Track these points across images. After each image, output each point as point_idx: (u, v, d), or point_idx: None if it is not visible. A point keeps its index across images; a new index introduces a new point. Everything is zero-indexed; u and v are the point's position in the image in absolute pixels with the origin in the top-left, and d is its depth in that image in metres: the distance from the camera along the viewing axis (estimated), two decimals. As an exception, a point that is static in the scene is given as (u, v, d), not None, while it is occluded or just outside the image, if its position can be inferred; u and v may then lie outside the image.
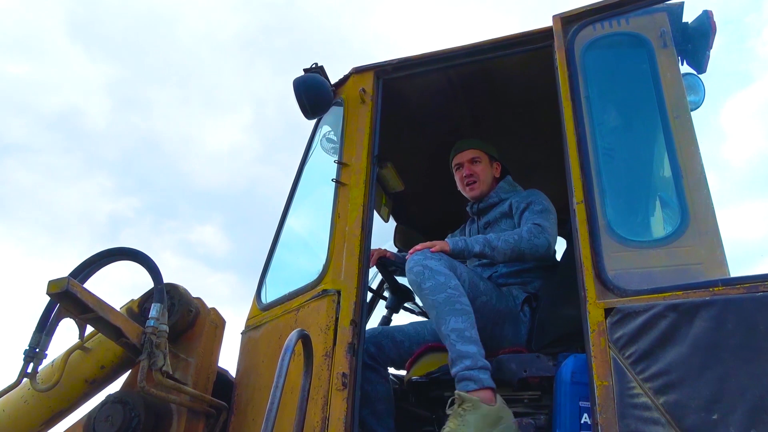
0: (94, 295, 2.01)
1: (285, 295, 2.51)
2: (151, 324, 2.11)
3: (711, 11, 2.32)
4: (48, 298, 2.00)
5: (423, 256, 2.20)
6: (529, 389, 2.20)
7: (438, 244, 2.28)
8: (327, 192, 2.58)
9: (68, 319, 2.07)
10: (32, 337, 2.05)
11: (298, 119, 2.66)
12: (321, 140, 2.89)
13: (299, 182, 2.82)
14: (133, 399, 2.15)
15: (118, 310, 2.18)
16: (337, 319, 2.21)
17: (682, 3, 2.33)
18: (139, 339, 2.09)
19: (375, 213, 2.66)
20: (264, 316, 2.55)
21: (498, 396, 1.98)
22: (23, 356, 2.04)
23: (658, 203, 2.30)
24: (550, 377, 2.14)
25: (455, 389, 1.97)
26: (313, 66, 2.68)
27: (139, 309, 2.36)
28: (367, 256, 2.38)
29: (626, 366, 1.71)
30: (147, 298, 2.36)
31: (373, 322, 3.16)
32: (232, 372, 2.57)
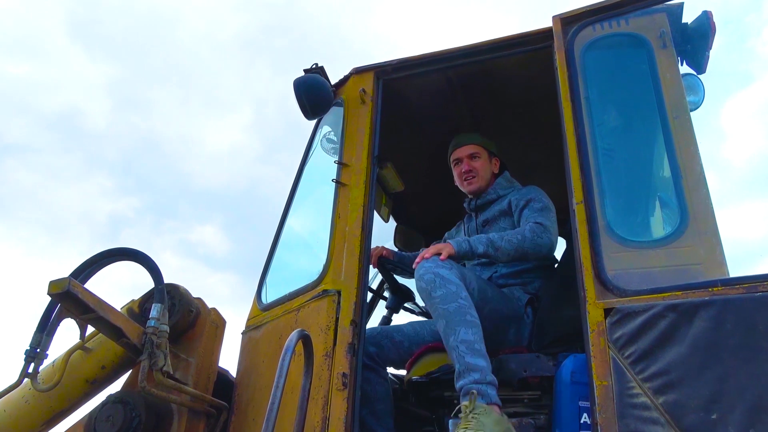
0: (95, 295, 2.01)
1: (285, 296, 2.51)
2: (152, 324, 2.11)
3: (710, 12, 2.33)
4: (49, 299, 2.01)
5: (434, 263, 2.15)
6: (529, 389, 2.20)
7: (445, 250, 2.22)
8: (327, 192, 2.58)
9: (69, 319, 2.08)
10: (33, 338, 2.06)
11: (299, 119, 2.67)
12: (321, 140, 2.89)
13: (299, 182, 2.83)
14: (134, 399, 2.15)
15: (119, 310, 2.18)
16: (337, 319, 2.21)
17: (682, 3, 2.33)
18: (139, 339, 2.10)
19: (375, 213, 2.66)
20: (264, 317, 2.55)
21: (504, 415, 1.94)
22: (24, 356, 2.04)
23: (657, 203, 2.30)
24: (549, 377, 2.15)
25: (460, 400, 1.92)
26: (314, 66, 2.68)
27: (139, 309, 2.37)
28: (367, 256, 2.38)
29: (626, 366, 1.72)
30: (147, 299, 2.37)
31: (374, 322, 3.17)
32: (233, 372, 2.58)
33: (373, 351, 2.43)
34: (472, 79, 2.91)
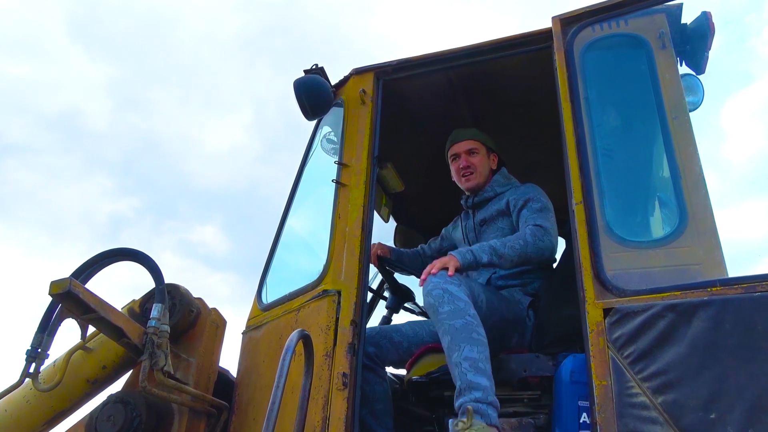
0: (95, 295, 2.02)
1: (285, 296, 2.52)
2: (153, 324, 2.12)
3: (709, 12, 2.33)
4: (50, 299, 2.01)
5: (442, 279, 2.10)
6: (528, 389, 2.21)
7: (450, 264, 2.16)
8: (327, 192, 2.59)
9: (70, 319, 2.08)
10: (34, 338, 2.07)
11: (299, 119, 2.67)
12: (321, 141, 2.89)
13: (300, 183, 2.83)
14: (135, 399, 2.16)
15: (120, 310, 2.19)
16: (337, 319, 2.22)
17: (681, 4, 2.34)
18: (140, 339, 2.10)
19: (375, 213, 2.67)
20: (265, 317, 2.56)
21: None
22: (25, 356, 2.05)
23: (656, 204, 2.31)
24: (549, 377, 2.15)
25: (457, 417, 1.85)
26: (314, 67, 2.69)
27: (140, 309, 2.37)
28: (367, 256, 2.39)
29: (625, 366, 1.72)
30: (148, 299, 2.37)
31: (374, 321, 3.17)
32: (233, 372, 2.58)
33: (371, 351, 2.42)
34: (472, 80, 2.92)
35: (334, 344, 2.17)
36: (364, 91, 2.66)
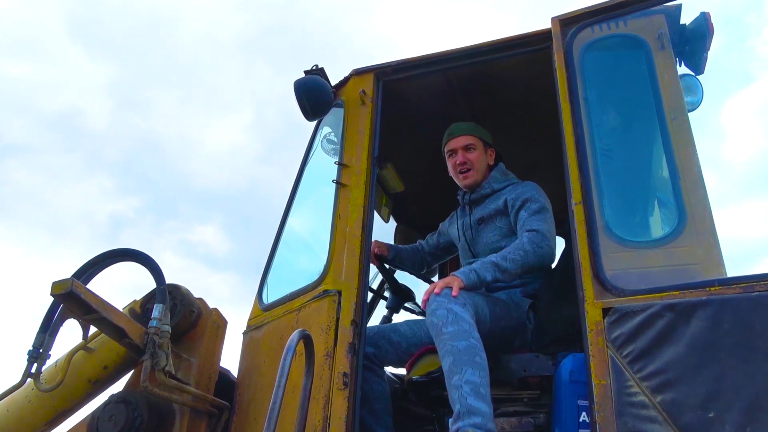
0: (97, 295, 2.03)
1: (286, 296, 2.53)
2: (154, 324, 2.13)
3: (708, 13, 2.34)
4: (51, 299, 2.02)
5: (447, 299, 2.05)
6: (528, 388, 2.22)
7: (454, 284, 2.11)
8: (328, 193, 2.60)
9: (72, 319, 2.09)
10: (36, 338, 2.08)
11: (299, 120, 2.67)
12: (321, 141, 2.90)
13: (300, 183, 2.84)
14: (136, 399, 2.17)
15: (121, 311, 2.20)
16: (338, 319, 2.23)
17: (680, 5, 2.34)
18: (141, 339, 2.11)
19: (375, 213, 2.67)
20: (265, 317, 2.57)
21: None
22: (27, 357, 2.06)
23: (655, 204, 2.32)
24: (549, 376, 2.16)
25: None
26: (314, 68, 2.69)
27: (141, 309, 2.38)
28: (367, 256, 2.39)
29: (624, 365, 1.73)
30: (149, 299, 2.38)
31: (374, 321, 3.18)
32: (234, 372, 2.59)
33: (370, 351, 2.42)
34: (471, 80, 2.92)
35: (335, 344, 2.17)
36: (364, 91, 2.67)
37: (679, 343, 1.67)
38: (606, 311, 1.82)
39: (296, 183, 2.85)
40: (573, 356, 2.01)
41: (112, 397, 2.23)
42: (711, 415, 1.56)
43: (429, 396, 2.46)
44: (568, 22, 2.36)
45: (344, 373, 2.11)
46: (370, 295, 3.03)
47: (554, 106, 2.26)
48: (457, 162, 2.71)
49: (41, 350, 2.07)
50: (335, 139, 2.83)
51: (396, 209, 3.64)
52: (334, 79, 2.77)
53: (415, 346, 2.51)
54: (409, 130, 3.23)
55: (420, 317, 3.21)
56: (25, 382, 2.10)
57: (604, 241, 1.96)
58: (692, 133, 2.15)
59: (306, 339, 1.89)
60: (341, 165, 2.57)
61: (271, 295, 2.66)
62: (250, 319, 2.68)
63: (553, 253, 2.38)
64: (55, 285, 1.92)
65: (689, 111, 2.35)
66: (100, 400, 2.35)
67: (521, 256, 2.28)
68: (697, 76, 2.51)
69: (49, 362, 2.13)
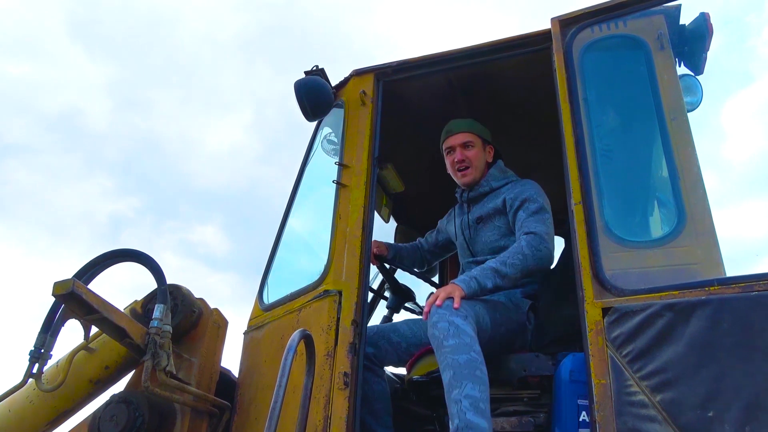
0: (98, 296, 2.03)
1: (287, 296, 2.53)
2: (155, 325, 2.14)
3: (708, 13, 2.34)
4: (53, 300, 2.03)
5: (449, 311, 2.02)
6: (528, 388, 2.22)
7: (455, 294, 2.08)
8: (328, 193, 2.60)
9: (73, 320, 2.10)
10: (37, 338, 2.08)
11: (299, 120, 2.68)
12: (322, 142, 2.91)
13: (300, 183, 2.85)
14: (137, 399, 2.17)
15: (122, 311, 2.20)
16: (338, 319, 2.23)
17: (680, 5, 2.35)
18: (143, 339, 2.12)
19: (375, 214, 2.68)
20: (266, 317, 2.57)
21: None
22: (28, 357, 2.06)
23: (655, 204, 2.32)
24: (549, 376, 2.17)
25: None
26: (314, 68, 2.70)
27: (142, 310, 2.39)
28: (367, 256, 2.40)
29: (623, 364, 1.73)
30: (150, 299, 2.39)
31: (374, 321, 3.18)
32: (235, 372, 2.60)
33: (370, 351, 2.41)
34: (471, 81, 2.93)
35: (336, 344, 2.18)
36: (364, 92, 2.67)
37: (678, 343, 1.67)
38: (606, 311, 1.83)
39: (296, 183, 2.85)
40: (573, 356, 2.02)
41: (113, 397, 2.24)
42: (710, 414, 1.57)
43: (429, 396, 2.46)
44: (568, 23, 2.36)
45: (345, 372, 2.11)
46: (370, 295, 3.04)
47: (554, 107, 2.26)
48: (455, 159, 2.69)
49: (43, 350, 2.08)
50: (335, 140, 2.84)
51: (396, 209, 3.65)
52: (334, 80, 2.78)
53: (414, 346, 2.51)
54: (410, 130, 3.24)
55: (420, 317, 3.22)
56: (26, 382, 2.11)
57: (604, 241, 1.97)
58: (692, 133, 2.16)
59: (307, 339, 1.89)
60: (341, 165, 2.58)
61: (271, 296, 2.67)
62: (250, 319, 2.68)
63: (551, 255, 2.37)
64: (57, 285, 1.92)
65: (689, 111, 2.35)
66: (101, 400, 2.36)
67: (520, 260, 2.26)
68: (697, 77, 2.52)
69: (50, 362, 2.13)
